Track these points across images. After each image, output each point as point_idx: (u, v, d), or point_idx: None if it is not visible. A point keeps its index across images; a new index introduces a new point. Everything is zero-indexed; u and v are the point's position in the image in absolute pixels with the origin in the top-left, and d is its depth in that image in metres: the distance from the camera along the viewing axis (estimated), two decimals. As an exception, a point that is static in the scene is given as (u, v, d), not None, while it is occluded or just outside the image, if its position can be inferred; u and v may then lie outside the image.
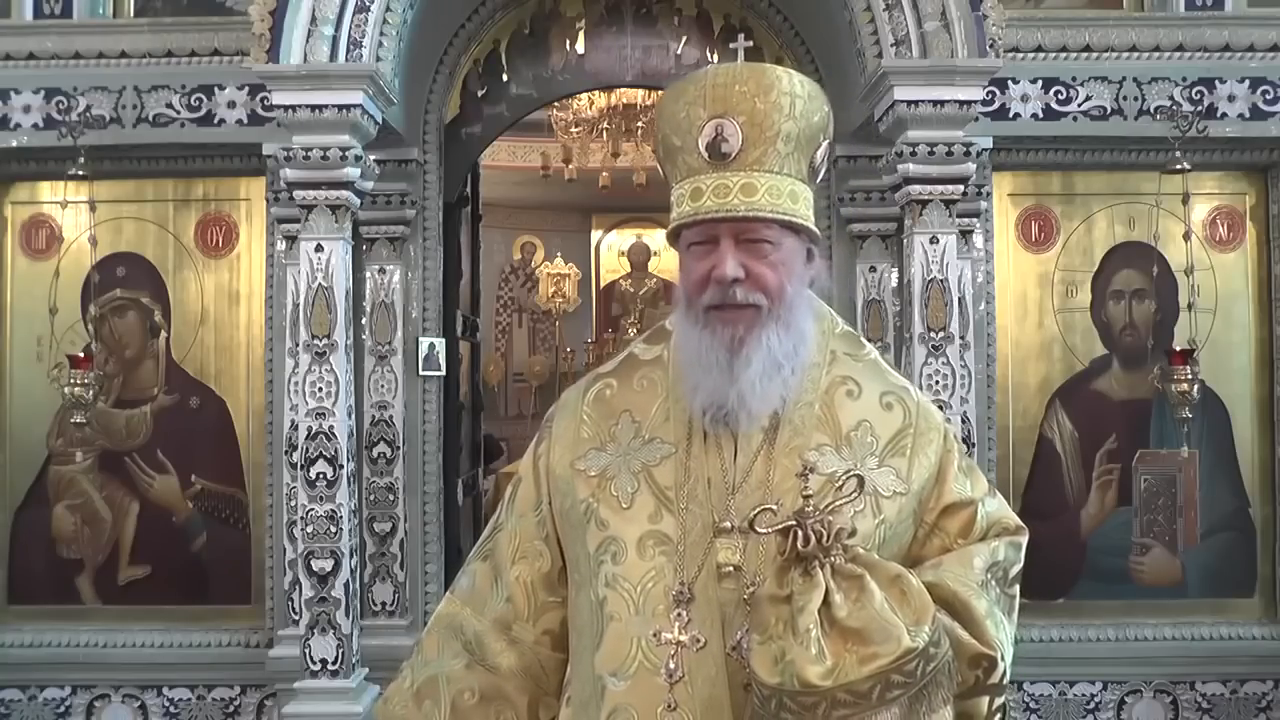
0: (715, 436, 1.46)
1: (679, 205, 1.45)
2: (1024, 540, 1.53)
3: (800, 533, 1.25)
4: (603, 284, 12.02)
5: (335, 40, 3.55)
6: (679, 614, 1.37)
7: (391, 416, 4.23)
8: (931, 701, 1.25)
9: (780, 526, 1.27)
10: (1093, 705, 4.29)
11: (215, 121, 4.07)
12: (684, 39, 4.51)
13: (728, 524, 1.40)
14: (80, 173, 3.86)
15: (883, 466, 1.46)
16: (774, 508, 1.31)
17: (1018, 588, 1.50)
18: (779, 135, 1.41)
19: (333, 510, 3.66)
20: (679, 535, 1.41)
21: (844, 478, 1.32)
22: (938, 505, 1.50)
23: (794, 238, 1.44)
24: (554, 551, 1.55)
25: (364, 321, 4.23)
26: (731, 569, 1.38)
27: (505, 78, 4.50)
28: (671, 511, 1.42)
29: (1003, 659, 1.38)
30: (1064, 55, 4.14)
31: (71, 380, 3.80)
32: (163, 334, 4.35)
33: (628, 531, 1.43)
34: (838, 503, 1.30)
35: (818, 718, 1.19)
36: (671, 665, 1.36)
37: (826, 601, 1.23)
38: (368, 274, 4.24)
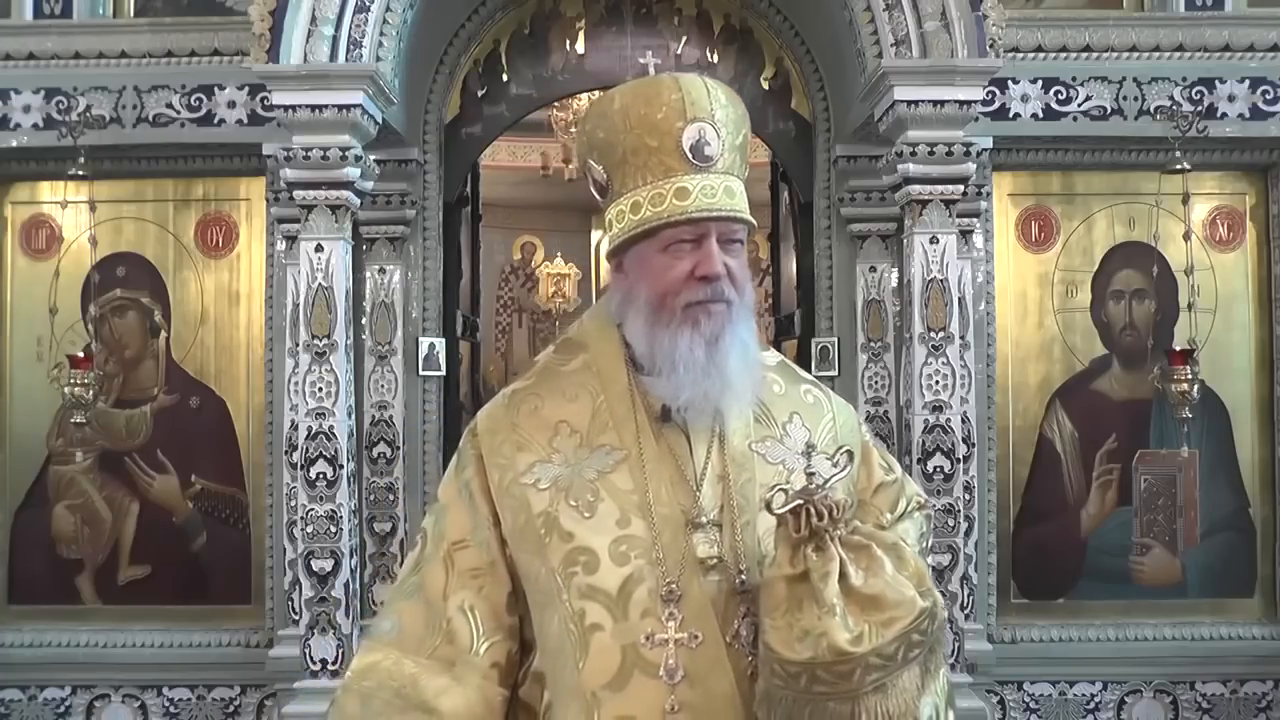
0: (666, 437, 1.47)
1: (655, 205, 1.43)
2: (930, 511, 1.72)
3: (811, 510, 1.29)
4: (602, 284, 12.00)
5: (335, 40, 3.55)
6: (670, 613, 1.37)
7: (391, 416, 4.23)
8: (939, 656, 1.35)
9: (790, 506, 1.31)
10: (1093, 705, 4.29)
11: (215, 121, 4.07)
12: (684, 39, 4.51)
13: (703, 519, 1.42)
14: (80, 173, 3.86)
15: (820, 454, 1.50)
16: (785, 488, 1.34)
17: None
18: (740, 143, 1.49)
19: (333, 510, 3.66)
20: (652, 537, 1.40)
21: (837, 453, 1.41)
22: (870, 485, 1.61)
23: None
24: (502, 575, 1.47)
25: (364, 321, 4.23)
26: (715, 561, 1.41)
27: (505, 78, 4.50)
28: (639, 515, 1.42)
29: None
30: (1064, 55, 4.13)
31: (71, 380, 3.80)
32: (163, 334, 4.35)
33: (596, 540, 1.40)
34: (835, 478, 1.36)
35: (851, 684, 1.24)
36: (671, 664, 1.36)
37: (841, 573, 1.28)
38: (368, 274, 4.24)
